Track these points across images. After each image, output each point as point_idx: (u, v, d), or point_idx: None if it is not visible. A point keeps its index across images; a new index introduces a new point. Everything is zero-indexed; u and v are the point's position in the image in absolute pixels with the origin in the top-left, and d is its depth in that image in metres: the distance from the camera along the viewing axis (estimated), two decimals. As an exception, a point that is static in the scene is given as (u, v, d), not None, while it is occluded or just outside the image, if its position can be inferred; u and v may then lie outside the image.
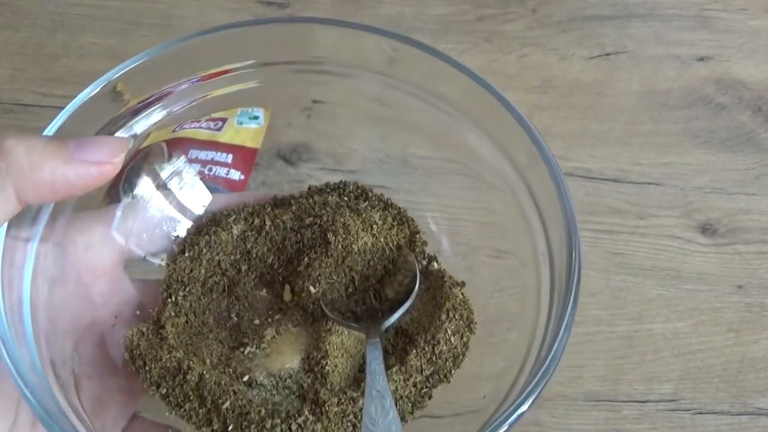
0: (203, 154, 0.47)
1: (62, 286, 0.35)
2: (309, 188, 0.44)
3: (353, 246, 0.40)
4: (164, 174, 0.42)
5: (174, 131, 0.48)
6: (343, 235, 0.40)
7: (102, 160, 0.30)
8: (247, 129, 0.52)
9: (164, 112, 0.39)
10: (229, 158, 0.51)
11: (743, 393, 0.48)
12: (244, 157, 0.52)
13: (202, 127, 0.50)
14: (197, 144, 0.46)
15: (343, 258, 0.40)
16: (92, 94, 0.35)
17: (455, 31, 0.64)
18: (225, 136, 0.51)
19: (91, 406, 0.34)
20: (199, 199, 0.43)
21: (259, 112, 0.51)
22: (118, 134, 0.37)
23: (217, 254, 0.41)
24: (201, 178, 0.44)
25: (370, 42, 0.39)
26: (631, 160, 0.57)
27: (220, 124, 0.51)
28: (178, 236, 0.42)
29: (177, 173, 0.43)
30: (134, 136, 0.38)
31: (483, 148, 0.40)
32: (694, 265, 0.53)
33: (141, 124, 0.38)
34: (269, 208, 0.42)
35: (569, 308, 0.31)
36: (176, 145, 0.44)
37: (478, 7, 0.66)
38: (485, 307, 0.40)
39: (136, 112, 0.38)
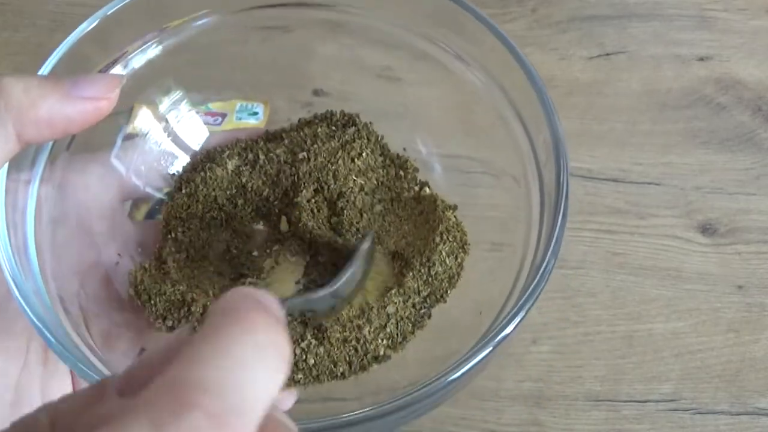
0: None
1: (64, 226, 0.36)
2: (299, 120, 0.44)
3: (346, 188, 0.41)
4: (162, 107, 0.42)
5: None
6: (334, 181, 0.41)
7: (97, 96, 0.31)
8: (246, 124, 0.51)
9: (159, 48, 0.40)
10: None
11: (743, 393, 0.48)
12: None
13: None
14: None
15: (338, 197, 0.41)
16: (86, 31, 0.35)
17: (455, 31, 0.64)
18: (224, 132, 0.51)
19: (100, 340, 0.35)
20: (195, 133, 0.43)
21: (259, 108, 0.51)
22: (115, 70, 0.38)
23: (213, 190, 0.41)
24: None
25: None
26: (631, 160, 0.57)
27: (219, 119, 0.51)
28: (174, 173, 0.42)
29: (174, 107, 0.43)
30: (132, 71, 0.38)
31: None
32: (694, 265, 0.52)
33: (137, 59, 0.39)
34: (262, 143, 0.43)
35: (558, 224, 0.33)
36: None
37: (478, 7, 0.66)
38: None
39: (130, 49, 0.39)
